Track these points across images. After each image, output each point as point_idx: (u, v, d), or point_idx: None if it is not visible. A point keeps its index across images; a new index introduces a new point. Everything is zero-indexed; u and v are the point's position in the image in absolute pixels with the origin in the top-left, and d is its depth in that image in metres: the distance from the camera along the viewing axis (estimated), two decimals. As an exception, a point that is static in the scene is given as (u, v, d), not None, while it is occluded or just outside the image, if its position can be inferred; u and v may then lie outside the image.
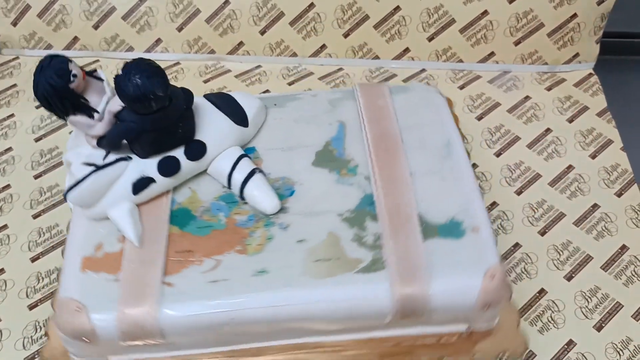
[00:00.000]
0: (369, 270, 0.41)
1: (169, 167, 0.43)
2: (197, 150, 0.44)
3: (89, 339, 0.39)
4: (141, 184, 0.42)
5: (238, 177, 0.45)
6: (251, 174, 0.45)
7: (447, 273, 0.41)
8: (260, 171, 0.46)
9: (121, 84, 0.39)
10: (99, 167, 0.41)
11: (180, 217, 0.44)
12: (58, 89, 0.40)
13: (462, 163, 0.48)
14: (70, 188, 0.41)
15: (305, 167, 0.47)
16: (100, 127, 0.42)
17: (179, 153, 0.44)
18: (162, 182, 0.44)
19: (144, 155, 0.43)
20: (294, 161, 0.47)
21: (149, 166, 0.43)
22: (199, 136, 0.45)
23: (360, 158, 0.48)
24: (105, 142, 0.43)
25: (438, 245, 0.42)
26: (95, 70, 0.45)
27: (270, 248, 0.42)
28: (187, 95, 0.44)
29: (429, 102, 0.53)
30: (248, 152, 0.48)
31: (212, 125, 0.46)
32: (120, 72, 0.40)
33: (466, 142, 0.59)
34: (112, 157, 0.43)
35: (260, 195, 0.44)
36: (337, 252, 0.42)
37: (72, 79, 0.41)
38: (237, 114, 0.47)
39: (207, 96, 0.48)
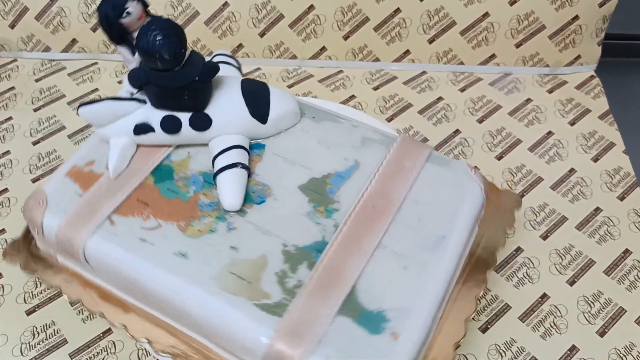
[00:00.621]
0: (266, 309, 0.38)
1: (169, 125, 0.45)
2: (200, 122, 0.45)
3: (37, 232, 0.44)
4: (141, 128, 0.45)
5: (219, 162, 0.45)
6: (232, 165, 0.44)
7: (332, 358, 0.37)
8: (244, 167, 0.45)
9: (139, 35, 0.41)
10: (114, 98, 0.45)
11: (161, 173, 0.46)
12: (109, 19, 0.43)
13: (442, 266, 0.41)
14: (87, 104, 0.45)
15: (291, 186, 0.45)
16: (132, 65, 0.46)
17: (184, 117, 0.45)
18: (160, 136, 0.45)
19: (153, 104, 0.45)
20: (286, 176, 0.46)
21: (155, 116, 0.45)
22: (210, 110, 0.45)
23: (345, 205, 0.44)
24: (128, 79, 0.45)
25: (347, 328, 0.38)
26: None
27: (206, 239, 0.42)
28: (206, 69, 0.44)
29: (459, 187, 0.45)
30: (256, 147, 0.47)
31: (226, 106, 0.46)
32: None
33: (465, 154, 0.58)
34: (136, 95, 0.46)
35: (227, 188, 0.44)
36: (254, 276, 0.40)
37: (124, 14, 0.43)
38: (258, 108, 0.46)
39: (244, 81, 0.47)
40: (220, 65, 0.47)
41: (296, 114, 0.48)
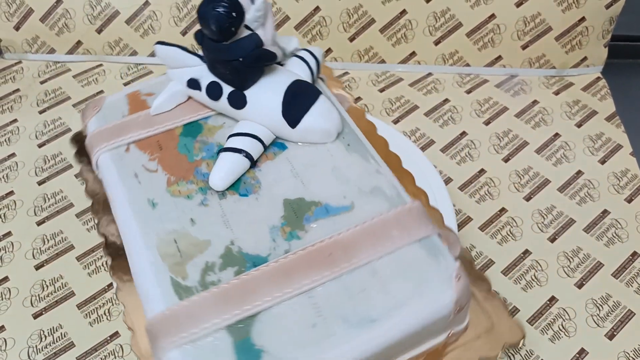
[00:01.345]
0: (175, 286, 0.38)
1: (211, 90, 0.46)
2: (236, 99, 0.46)
3: (83, 131, 0.50)
4: (191, 83, 0.47)
5: (229, 142, 0.45)
6: (237, 150, 0.44)
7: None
8: (248, 157, 0.44)
9: None
10: (183, 49, 0.47)
11: (190, 129, 0.48)
12: None
13: (348, 346, 0.36)
14: (163, 43, 0.47)
15: (279, 195, 0.43)
16: None
17: (227, 89, 0.46)
18: (204, 96, 0.47)
19: (207, 66, 0.47)
20: (282, 184, 0.44)
21: (205, 78, 0.46)
22: (249, 93, 0.46)
23: (310, 238, 0.41)
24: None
25: (222, 346, 0.37)
26: None
27: (178, 202, 0.43)
28: (255, 54, 0.44)
29: (427, 287, 0.39)
30: (278, 145, 0.46)
31: (264, 97, 0.46)
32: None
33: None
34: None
35: (219, 168, 0.44)
36: (188, 254, 0.40)
37: None
38: (293, 111, 0.45)
39: (296, 80, 0.46)
40: (295, 60, 0.48)
41: (328, 135, 0.46)
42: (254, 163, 0.45)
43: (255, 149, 0.45)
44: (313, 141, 0.47)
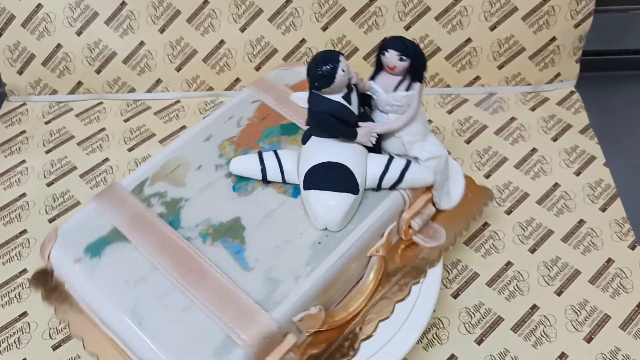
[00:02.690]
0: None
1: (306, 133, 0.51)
2: (304, 138, 0.51)
3: None
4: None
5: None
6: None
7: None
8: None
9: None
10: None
11: (288, 127, 0.56)
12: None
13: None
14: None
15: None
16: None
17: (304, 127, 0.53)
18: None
19: None
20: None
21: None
22: (308, 143, 0.51)
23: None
24: None
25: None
26: None
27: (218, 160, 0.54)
28: (319, 115, 0.48)
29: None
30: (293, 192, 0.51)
31: (302, 154, 0.51)
32: None
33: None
34: None
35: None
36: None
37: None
38: (307, 184, 0.49)
39: (331, 164, 0.49)
40: (379, 158, 0.51)
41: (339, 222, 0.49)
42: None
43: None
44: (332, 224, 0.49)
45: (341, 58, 0.46)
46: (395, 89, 0.49)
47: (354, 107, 0.48)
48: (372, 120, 0.51)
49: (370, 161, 0.50)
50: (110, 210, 0.50)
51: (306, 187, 0.49)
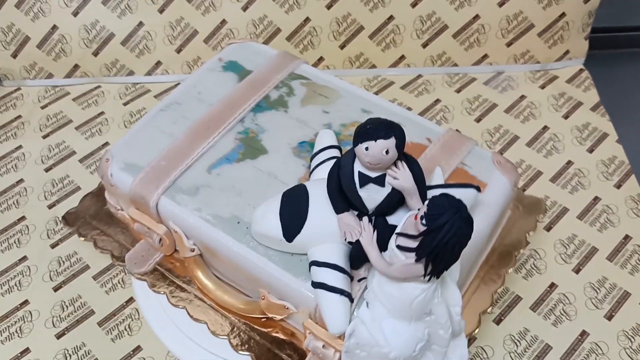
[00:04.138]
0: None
1: None
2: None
3: None
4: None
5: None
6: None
7: None
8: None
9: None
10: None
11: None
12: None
13: None
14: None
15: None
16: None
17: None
18: None
19: None
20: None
21: None
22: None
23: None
24: None
25: None
26: None
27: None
28: (338, 189, 0.40)
29: None
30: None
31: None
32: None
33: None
34: None
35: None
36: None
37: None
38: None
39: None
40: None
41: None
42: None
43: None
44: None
45: (380, 141, 0.36)
46: (401, 235, 0.37)
47: (368, 197, 0.39)
48: (387, 233, 0.39)
49: (328, 246, 0.42)
50: (270, 64, 0.56)
51: (285, 191, 0.44)
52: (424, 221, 0.34)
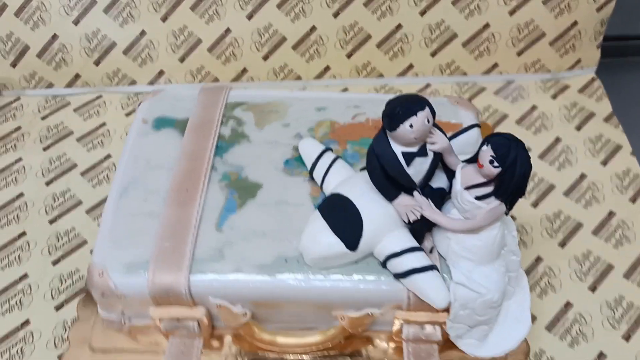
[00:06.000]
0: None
1: None
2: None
3: None
4: None
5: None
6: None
7: None
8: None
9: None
10: None
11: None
12: None
13: None
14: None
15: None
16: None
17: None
18: None
19: None
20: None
21: None
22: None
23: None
24: None
25: None
26: None
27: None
28: (372, 156, 0.41)
29: None
30: None
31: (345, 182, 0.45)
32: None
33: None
34: None
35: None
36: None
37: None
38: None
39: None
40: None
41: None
42: None
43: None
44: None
45: (420, 113, 0.38)
46: (470, 188, 0.40)
47: (416, 172, 0.40)
48: (440, 201, 0.42)
49: (392, 235, 0.42)
50: (201, 103, 0.53)
51: (318, 208, 0.44)
52: (495, 163, 0.37)
